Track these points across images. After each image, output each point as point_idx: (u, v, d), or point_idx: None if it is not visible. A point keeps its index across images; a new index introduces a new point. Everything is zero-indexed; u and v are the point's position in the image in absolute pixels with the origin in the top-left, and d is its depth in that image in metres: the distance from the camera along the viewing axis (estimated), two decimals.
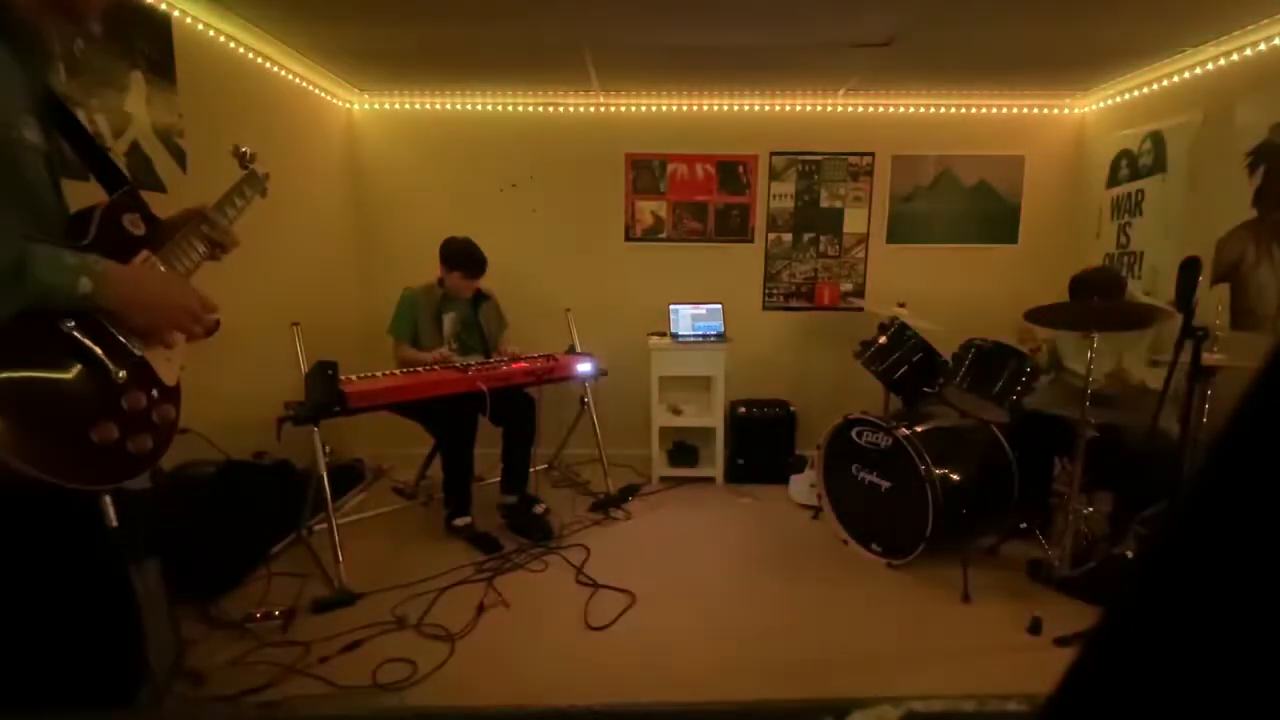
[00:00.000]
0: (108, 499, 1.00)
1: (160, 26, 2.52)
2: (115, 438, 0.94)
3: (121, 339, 0.99)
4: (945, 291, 4.03)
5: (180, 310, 1.06)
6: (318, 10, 2.71)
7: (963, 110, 4.00)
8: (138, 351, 1.01)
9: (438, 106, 4.02)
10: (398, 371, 3.00)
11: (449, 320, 3.30)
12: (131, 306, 0.98)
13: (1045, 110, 4.02)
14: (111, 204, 1.06)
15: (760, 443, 3.81)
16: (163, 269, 1.10)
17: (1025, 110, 4.01)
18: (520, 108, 4.02)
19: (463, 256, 3.19)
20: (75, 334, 0.91)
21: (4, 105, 0.89)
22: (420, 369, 3.02)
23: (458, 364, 3.08)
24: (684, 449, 3.97)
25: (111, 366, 0.96)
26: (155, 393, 1.03)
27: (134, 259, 1.05)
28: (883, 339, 3.07)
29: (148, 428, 1.00)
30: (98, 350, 0.94)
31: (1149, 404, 2.35)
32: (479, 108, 4.02)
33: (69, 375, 0.91)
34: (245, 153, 1.43)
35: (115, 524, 1.00)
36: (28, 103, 0.95)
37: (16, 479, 0.82)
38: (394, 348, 3.26)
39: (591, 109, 4.02)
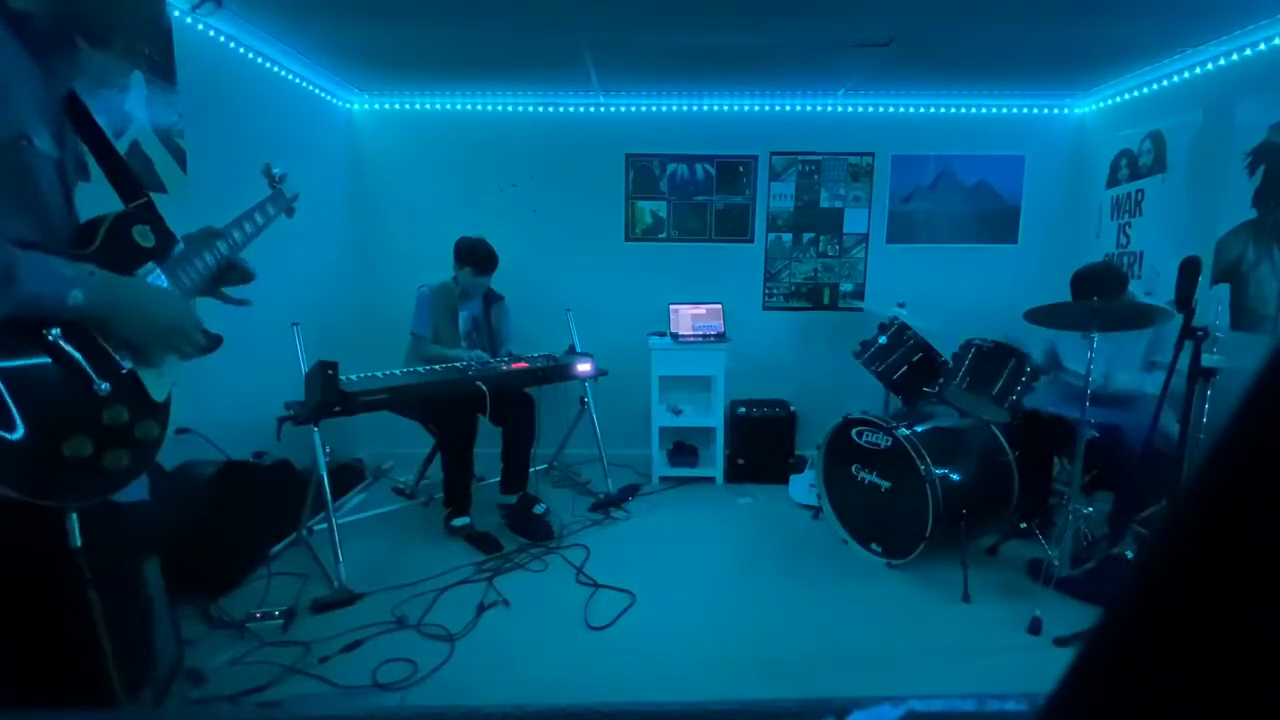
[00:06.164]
0: (74, 518, 0.93)
1: (160, 27, 2.52)
2: (89, 453, 0.90)
3: (110, 351, 0.96)
4: (945, 291, 4.03)
5: (173, 330, 1.03)
6: (318, 10, 2.71)
7: (963, 110, 4.00)
8: (127, 365, 0.98)
9: (438, 106, 4.02)
10: (397, 371, 3.00)
11: (464, 318, 3.33)
12: (124, 318, 0.96)
13: (1045, 110, 4.01)
14: (123, 214, 1.04)
15: (760, 443, 3.81)
16: (166, 281, 1.07)
17: (1025, 110, 4.01)
18: (520, 108, 4.02)
19: (475, 253, 3.23)
20: (60, 343, 0.88)
21: (14, 112, 0.88)
22: (422, 369, 3.02)
23: (490, 362, 3.13)
24: (684, 449, 3.97)
25: (95, 378, 0.92)
26: (140, 408, 0.99)
27: (138, 270, 1.03)
28: (883, 339, 3.07)
29: (127, 444, 0.97)
30: (81, 361, 0.91)
31: (1148, 404, 2.35)
32: (479, 108, 4.02)
33: (45, 385, 0.87)
34: (276, 174, 1.44)
35: (78, 544, 0.93)
36: (43, 109, 0.93)
37: None
38: (416, 344, 3.27)
39: (591, 109, 4.02)
